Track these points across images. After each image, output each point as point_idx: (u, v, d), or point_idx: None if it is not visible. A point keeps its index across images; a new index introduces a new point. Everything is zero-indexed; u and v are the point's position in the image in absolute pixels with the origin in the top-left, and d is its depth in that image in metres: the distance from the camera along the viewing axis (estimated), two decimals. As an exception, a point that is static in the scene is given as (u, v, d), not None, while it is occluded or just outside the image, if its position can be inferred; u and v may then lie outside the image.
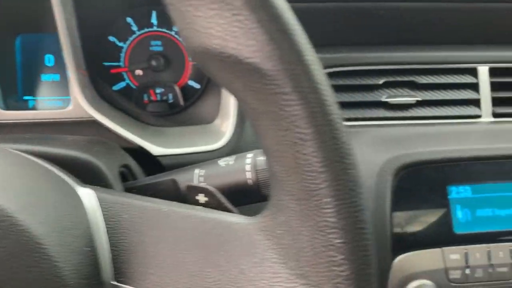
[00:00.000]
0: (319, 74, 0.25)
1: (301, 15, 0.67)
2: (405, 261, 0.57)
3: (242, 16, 0.23)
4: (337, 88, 0.65)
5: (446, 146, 0.61)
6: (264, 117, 0.25)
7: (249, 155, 0.45)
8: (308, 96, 0.24)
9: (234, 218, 0.31)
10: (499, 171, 0.61)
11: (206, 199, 0.36)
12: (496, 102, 0.67)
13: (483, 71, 0.67)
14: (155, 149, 0.58)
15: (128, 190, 0.47)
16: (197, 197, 0.37)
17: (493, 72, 0.67)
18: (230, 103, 0.61)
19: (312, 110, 0.24)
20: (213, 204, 0.36)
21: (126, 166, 0.50)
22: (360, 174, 0.59)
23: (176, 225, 0.32)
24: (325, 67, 0.64)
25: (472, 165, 0.61)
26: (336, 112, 0.25)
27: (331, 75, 0.65)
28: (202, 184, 0.41)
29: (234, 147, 0.60)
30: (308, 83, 0.24)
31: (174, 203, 0.35)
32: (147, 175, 0.55)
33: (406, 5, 0.64)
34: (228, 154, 0.60)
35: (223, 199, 0.35)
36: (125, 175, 0.50)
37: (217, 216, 0.31)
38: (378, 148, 0.61)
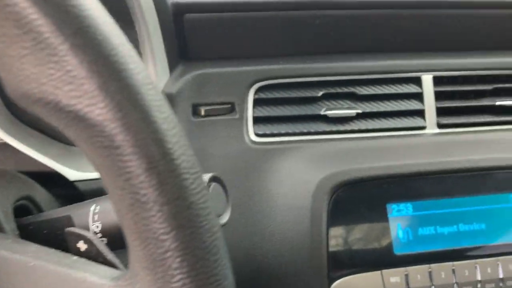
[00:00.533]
0: (161, 120, 0.21)
1: (234, 24, 0.63)
2: (343, 286, 0.54)
3: (57, 56, 0.19)
4: (273, 102, 0.61)
5: (386, 161, 0.58)
6: (101, 172, 0.21)
7: None
8: (145, 150, 0.20)
9: (100, 280, 0.27)
10: (442, 186, 0.59)
11: (86, 246, 0.32)
12: (440, 112, 0.64)
13: (427, 80, 0.64)
14: (72, 174, 0.54)
15: (25, 227, 0.42)
16: (78, 245, 0.33)
17: (437, 81, 0.65)
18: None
19: (149, 166, 0.20)
20: (93, 253, 0.31)
21: (28, 197, 0.46)
22: (295, 194, 0.57)
23: (36, 285, 0.28)
24: (260, 79, 0.60)
25: (414, 181, 0.58)
26: (184, 167, 0.21)
27: (266, 88, 0.61)
28: (94, 225, 0.37)
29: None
30: (144, 133, 0.20)
31: (52, 252, 0.31)
32: (65, 203, 0.51)
33: (343, 13, 0.61)
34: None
35: (102, 248, 0.31)
36: (27, 208, 0.46)
37: (82, 275, 0.27)
38: (315, 165, 0.58)
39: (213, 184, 0.35)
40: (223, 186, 0.37)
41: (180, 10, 0.56)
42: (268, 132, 0.60)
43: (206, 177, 0.35)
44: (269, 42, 0.62)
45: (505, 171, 0.60)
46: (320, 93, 0.62)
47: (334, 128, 0.62)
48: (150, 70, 0.55)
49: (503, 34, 0.67)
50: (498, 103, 0.65)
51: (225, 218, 0.36)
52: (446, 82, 0.65)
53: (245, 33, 0.59)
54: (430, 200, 0.58)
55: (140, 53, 0.58)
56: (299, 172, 0.57)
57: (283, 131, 0.61)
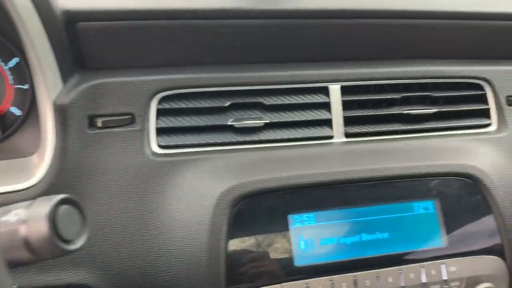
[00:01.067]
0: None
1: (131, 33, 0.61)
2: (242, 301, 0.53)
3: None
4: (178, 112, 0.60)
5: (291, 171, 0.58)
6: None
7: (23, 204, 0.38)
8: None
9: None
10: (346, 196, 0.59)
11: None
12: (348, 121, 0.65)
13: (334, 89, 0.64)
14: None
15: None
16: None
17: (345, 90, 0.65)
18: (49, 134, 0.54)
19: None
20: None
21: None
22: (195, 209, 0.55)
23: None
24: (163, 89, 0.59)
25: (316, 191, 0.58)
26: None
27: (171, 98, 0.59)
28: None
29: (52, 185, 0.53)
30: None
31: None
32: None
33: (249, 22, 0.60)
34: (45, 192, 0.54)
35: None
36: None
37: None
38: (218, 177, 0.57)
39: (64, 207, 0.34)
40: (79, 208, 0.35)
41: (72, 19, 0.53)
42: (172, 143, 0.59)
43: (55, 199, 0.33)
44: (171, 51, 0.60)
45: (408, 179, 0.61)
46: (227, 103, 0.61)
47: (241, 138, 0.61)
48: (39, 81, 0.53)
49: (410, 43, 0.68)
50: (406, 111, 0.67)
51: (78, 243, 0.34)
52: (354, 92, 0.65)
53: (145, 41, 0.58)
54: (333, 210, 0.58)
55: (27, 63, 0.55)
56: (200, 186, 0.56)
57: (188, 142, 0.59)
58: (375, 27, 0.65)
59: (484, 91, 0.70)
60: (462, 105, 0.69)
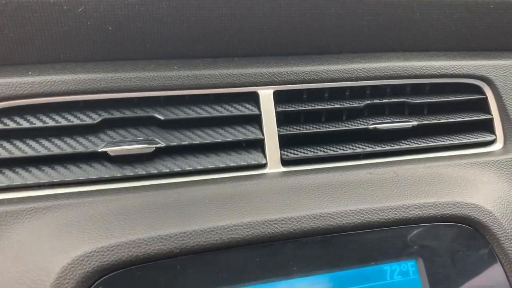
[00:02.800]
0: None
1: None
2: None
3: None
4: (15, 135, 0.39)
5: (188, 225, 0.37)
6: None
7: None
8: None
9: None
10: (277, 260, 0.38)
11: None
12: (285, 142, 0.44)
13: (265, 96, 0.44)
14: None
15: None
16: None
17: (280, 97, 0.44)
18: None
19: None
20: None
21: None
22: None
23: None
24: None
25: (231, 256, 0.37)
26: None
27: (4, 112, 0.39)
28: None
29: None
30: None
31: None
32: None
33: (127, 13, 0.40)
34: None
35: None
36: None
37: None
38: (65, 239, 0.35)
39: None
40: None
41: None
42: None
43: None
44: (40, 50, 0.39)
45: (376, 230, 0.40)
46: (97, 120, 0.40)
47: (118, 172, 0.40)
48: None
49: (374, 27, 0.48)
50: (372, 125, 0.46)
51: None
52: (295, 99, 0.45)
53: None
54: (257, 285, 0.37)
55: None
56: (35, 253, 0.34)
57: (31, 182, 0.38)
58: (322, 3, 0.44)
59: (484, 94, 0.50)
60: (454, 116, 0.49)
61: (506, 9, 0.50)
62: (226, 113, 0.43)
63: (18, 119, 0.39)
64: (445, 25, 0.49)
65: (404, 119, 0.47)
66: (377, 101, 0.47)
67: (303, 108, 0.44)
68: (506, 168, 0.47)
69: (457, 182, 0.45)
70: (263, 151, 0.43)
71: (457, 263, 0.41)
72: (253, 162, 0.43)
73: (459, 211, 0.42)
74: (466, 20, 0.49)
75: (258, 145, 0.44)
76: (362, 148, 0.45)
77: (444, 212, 0.42)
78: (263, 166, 0.43)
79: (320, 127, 0.45)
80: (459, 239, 0.42)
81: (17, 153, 0.38)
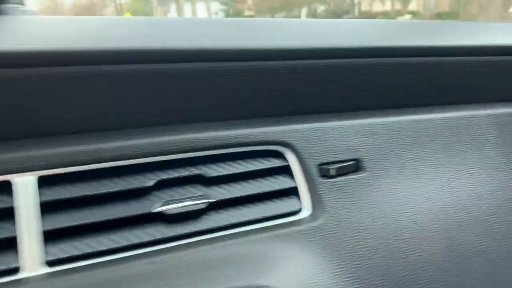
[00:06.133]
0: None
1: None
2: None
3: None
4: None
5: None
6: None
7: None
8: None
9: None
10: None
11: None
12: (50, 236, 0.38)
13: (22, 184, 0.37)
14: None
15: None
16: None
17: (44, 182, 0.38)
18: None
19: None
20: None
21: None
22: None
23: None
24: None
25: None
26: None
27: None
28: None
29: None
30: None
31: None
32: None
33: None
34: None
35: None
36: None
37: None
38: None
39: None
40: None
41: None
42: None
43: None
44: None
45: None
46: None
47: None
48: None
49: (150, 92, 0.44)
50: (161, 209, 0.41)
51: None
52: (61, 183, 0.39)
53: None
54: None
55: None
56: None
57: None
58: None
59: (287, 161, 0.48)
60: (258, 181, 0.46)
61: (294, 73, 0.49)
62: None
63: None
64: (242, 92, 0.47)
65: (198, 195, 0.43)
66: (167, 176, 0.43)
67: (71, 197, 0.38)
68: (312, 237, 0.45)
69: (255, 261, 0.41)
70: (16, 252, 0.37)
71: None
72: (3, 267, 0.36)
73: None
74: (262, 86, 0.47)
75: (9, 247, 0.37)
76: (146, 234, 0.40)
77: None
78: (17, 270, 0.36)
79: (95, 215, 0.39)
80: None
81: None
